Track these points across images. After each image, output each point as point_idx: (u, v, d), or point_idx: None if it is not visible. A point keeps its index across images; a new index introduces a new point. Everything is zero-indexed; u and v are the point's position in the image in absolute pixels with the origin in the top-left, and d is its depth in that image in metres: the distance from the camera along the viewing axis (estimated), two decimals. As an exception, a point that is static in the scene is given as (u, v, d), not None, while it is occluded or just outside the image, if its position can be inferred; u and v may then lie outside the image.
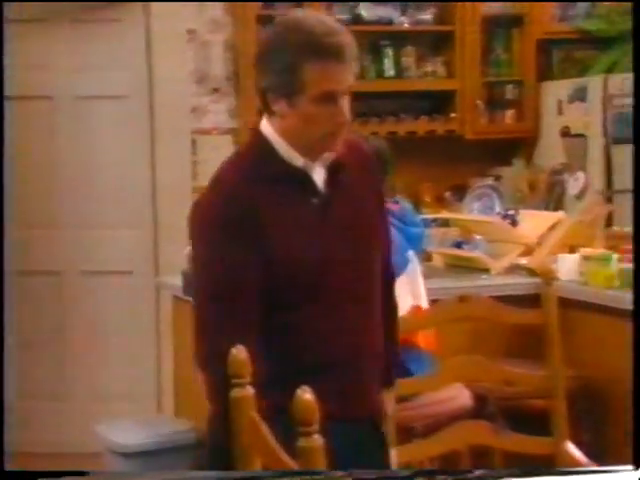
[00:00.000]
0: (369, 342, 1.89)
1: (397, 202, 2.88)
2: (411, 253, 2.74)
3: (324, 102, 1.78)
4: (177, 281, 3.32)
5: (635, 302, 1.59)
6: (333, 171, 1.87)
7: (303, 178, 1.85)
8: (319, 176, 1.86)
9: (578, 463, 2.21)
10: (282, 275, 1.79)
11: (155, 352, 4.57)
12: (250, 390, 1.49)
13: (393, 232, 2.68)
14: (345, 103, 1.81)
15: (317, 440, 1.27)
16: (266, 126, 1.86)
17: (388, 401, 2.00)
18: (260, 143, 1.86)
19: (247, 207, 1.79)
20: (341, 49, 1.79)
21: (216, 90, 4.77)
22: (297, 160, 1.84)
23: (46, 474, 1.36)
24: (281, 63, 1.80)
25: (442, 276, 3.55)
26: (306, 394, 1.29)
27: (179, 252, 3.66)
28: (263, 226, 1.79)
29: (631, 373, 1.51)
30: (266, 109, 1.85)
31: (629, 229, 3.36)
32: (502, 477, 1.51)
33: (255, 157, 1.86)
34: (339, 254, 1.84)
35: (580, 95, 4.68)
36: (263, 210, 1.80)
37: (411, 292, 2.69)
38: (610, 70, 4.73)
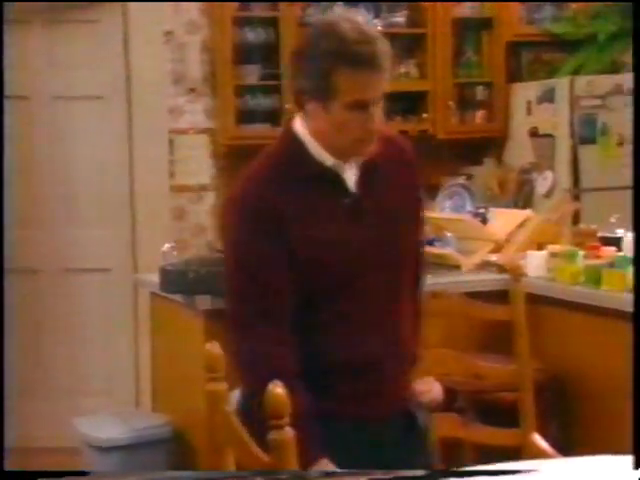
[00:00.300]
0: (399, 340, 1.88)
1: None
2: None
3: (355, 109, 1.78)
4: (155, 278, 3.32)
5: (635, 302, 1.62)
6: (365, 171, 1.86)
7: (334, 178, 1.84)
8: (351, 176, 1.86)
9: (545, 454, 2.24)
10: (311, 274, 1.79)
11: (133, 348, 4.56)
12: (224, 385, 1.50)
13: None
14: (377, 110, 1.80)
15: (288, 433, 1.28)
16: (299, 126, 1.86)
17: (422, 390, 2.01)
18: (292, 142, 1.86)
19: (277, 205, 1.79)
20: (374, 57, 1.77)
21: (193, 90, 4.77)
22: (328, 160, 1.84)
23: (46, 474, 1.36)
24: (314, 68, 1.79)
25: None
26: (277, 388, 1.30)
27: (157, 249, 3.67)
28: (292, 224, 1.79)
29: (631, 372, 1.54)
30: (299, 109, 1.85)
31: (595, 226, 3.40)
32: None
33: (287, 156, 1.86)
34: (370, 253, 1.83)
35: (548, 96, 4.72)
36: (293, 208, 1.80)
37: None
38: (577, 72, 4.77)
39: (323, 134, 1.83)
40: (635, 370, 1.51)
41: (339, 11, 2.24)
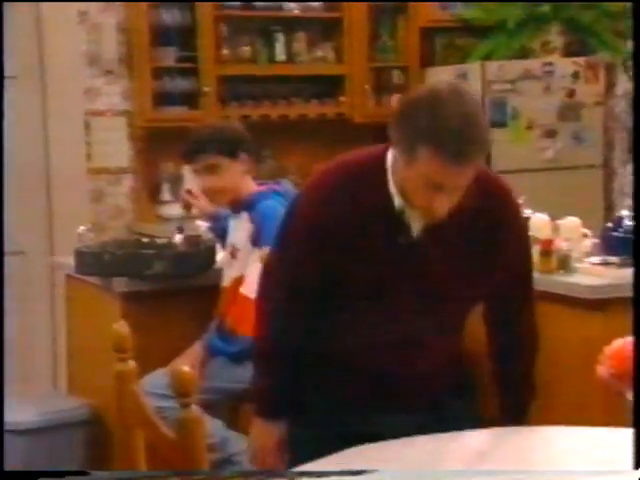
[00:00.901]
0: (418, 362, 1.94)
1: (278, 183, 2.92)
2: None
3: (430, 187, 1.76)
4: (71, 260, 3.23)
5: (635, 302, 1.63)
6: (436, 222, 1.84)
7: (396, 218, 1.86)
8: (418, 221, 1.86)
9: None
10: (343, 282, 1.88)
11: (50, 332, 4.46)
12: (132, 365, 1.46)
13: (279, 210, 2.70)
14: (451, 196, 1.78)
15: (195, 411, 1.25)
16: (390, 156, 1.86)
17: None
18: (379, 167, 1.86)
19: (337, 220, 1.85)
20: (465, 152, 1.71)
21: (109, 72, 4.65)
22: (397, 200, 1.85)
23: (46, 474, 1.38)
24: (407, 129, 1.76)
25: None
26: (183, 367, 1.27)
27: (74, 232, 3.57)
28: (341, 240, 1.86)
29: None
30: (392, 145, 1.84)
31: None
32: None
33: (370, 176, 1.86)
34: (406, 280, 1.88)
35: (461, 80, 4.76)
36: (348, 226, 1.86)
37: None
38: (488, 57, 4.82)
39: (399, 180, 1.84)
40: (636, 367, 1.53)
41: (452, 80, 2.22)
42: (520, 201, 3.47)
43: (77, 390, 3.46)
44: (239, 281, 2.74)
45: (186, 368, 1.25)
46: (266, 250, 2.56)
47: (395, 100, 5.09)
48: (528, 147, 4.75)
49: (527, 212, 3.32)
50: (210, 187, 2.82)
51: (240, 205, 2.80)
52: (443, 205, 1.77)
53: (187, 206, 3.20)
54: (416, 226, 1.88)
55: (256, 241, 2.72)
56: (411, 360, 1.92)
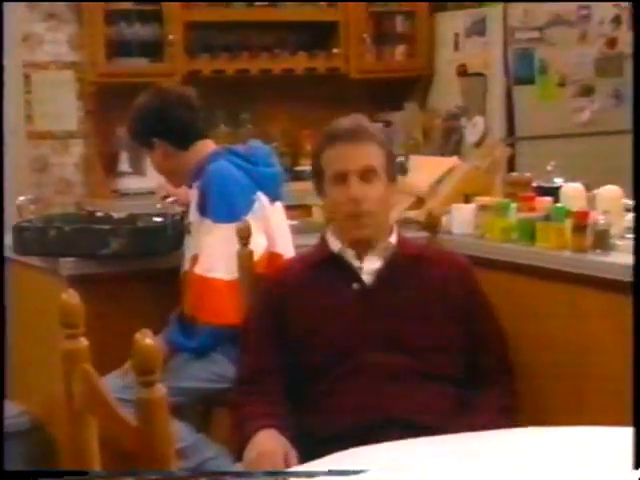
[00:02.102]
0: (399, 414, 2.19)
1: (245, 143, 2.97)
2: (261, 195, 2.81)
3: (338, 182, 2.26)
4: (8, 239, 3.24)
5: (635, 299, 1.67)
6: (390, 264, 2.31)
7: (340, 263, 2.31)
8: (370, 264, 2.30)
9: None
10: (306, 346, 2.26)
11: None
12: (84, 342, 1.49)
13: (233, 171, 2.75)
14: (359, 183, 2.24)
15: (159, 391, 1.28)
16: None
17: None
18: (321, 234, 2.41)
19: (285, 285, 2.34)
20: (351, 131, 2.26)
21: (53, 16, 4.67)
22: (335, 246, 2.33)
23: (46, 474, 1.49)
24: (313, 153, 2.39)
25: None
26: (146, 339, 1.29)
27: (12, 207, 3.58)
28: (292, 301, 2.31)
29: (631, 369, 1.61)
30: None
31: (529, 175, 3.47)
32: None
33: (315, 245, 2.42)
34: (371, 336, 2.24)
35: (478, 28, 4.79)
36: (298, 288, 2.32)
37: (265, 233, 2.77)
38: (510, -1, 4.86)
39: (330, 219, 2.37)
40: (635, 365, 1.57)
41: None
42: (549, 168, 3.53)
43: (18, 394, 3.48)
44: (194, 261, 2.76)
45: (149, 340, 1.28)
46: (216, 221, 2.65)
47: (400, 53, 5.13)
48: (559, 107, 4.78)
49: (557, 180, 3.37)
50: (159, 170, 2.93)
51: (193, 175, 2.83)
52: (351, 190, 2.23)
53: (165, 197, 3.22)
54: (370, 266, 2.29)
55: (203, 209, 2.74)
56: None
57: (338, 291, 2.30)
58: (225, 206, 2.70)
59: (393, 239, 2.36)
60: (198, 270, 2.72)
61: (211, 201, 2.71)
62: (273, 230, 2.81)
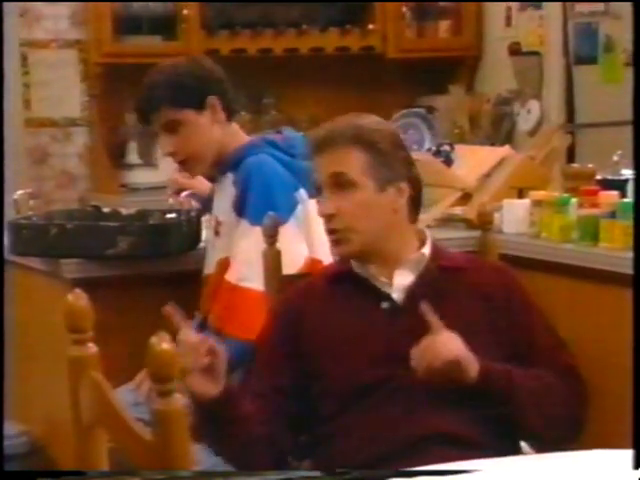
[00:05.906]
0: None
1: (280, 132, 2.93)
2: (303, 192, 2.79)
3: (318, 196, 2.34)
4: (4, 238, 3.27)
5: (635, 296, 1.69)
6: (424, 276, 2.29)
7: (364, 279, 2.31)
8: (401, 279, 2.29)
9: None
10: (323, 380, 2.26)
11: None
12: (93, 348, 1.51)
13: (277, 167, 2.74)
14: (332, 194, 2.26)
15: (177, 401, 1.30)
16: None
17: None
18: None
19: (301, 308, 2.34)
20: (322, 138, 2.28)
21: (54, -12, 4.73)
22: (355, 265, 2.33)
23: (46, 474, 1.54)
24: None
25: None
26: (163, 343, 1.31)
27: (9, 201, 3.62)
28: (308, 324, 2.31)
29: (631, 369, 1.63)
30: None
31: (592, 166, 3.48)
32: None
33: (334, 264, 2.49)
34: (408, 361, 2.17)
35: (534, 2, 4.80)
36: (314, 310, 2.32)
37: (306, 241, 2.74)
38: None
39: None
40: (635, 365, 1.58)
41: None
42: (615, 158, 3.54)
43: (15, 414, 3.52)
44: (224, 265, 2.75)
45: (165, 345, 1.30)
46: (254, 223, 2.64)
47: (444, 29, 5.14)
48: (626, 91, 4.77)
49: (625, 172, 3.37)
50: (176, 152, 2.81)
51: (223, 165, 2.81)
52: (324, 202, 2.28)
53: (178, 193, 3.23)
54: (393, 284, 2.28)
55: (240, 209, 2.73)
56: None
57: (365, 311, 2.29)
58: (266, 208, 2.66)
59: (426, 250, 2.32)
60: (230, 278, 2.72)
61: (251, 201, 2.70)
62: (314, 231, 2.77)
